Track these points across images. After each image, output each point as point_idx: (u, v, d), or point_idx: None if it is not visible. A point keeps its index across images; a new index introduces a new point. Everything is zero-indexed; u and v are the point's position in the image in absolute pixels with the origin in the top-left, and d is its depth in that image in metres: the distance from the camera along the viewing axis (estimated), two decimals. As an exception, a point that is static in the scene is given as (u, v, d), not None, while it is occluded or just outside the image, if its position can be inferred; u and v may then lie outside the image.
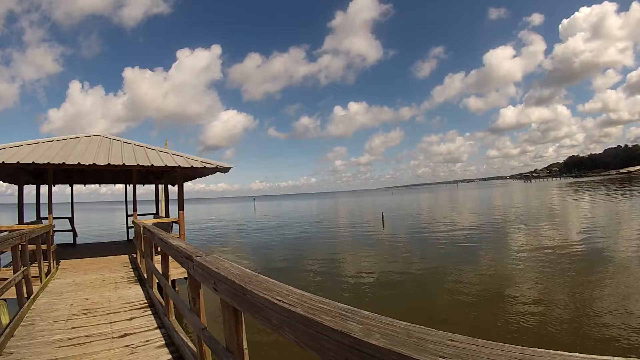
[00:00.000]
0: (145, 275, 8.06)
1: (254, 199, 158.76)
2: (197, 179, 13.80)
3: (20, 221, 11.94)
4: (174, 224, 11.68)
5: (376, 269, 14.50)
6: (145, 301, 6.52)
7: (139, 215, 16.52)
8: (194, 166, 10.41)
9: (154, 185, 17.05)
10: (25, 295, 7.09)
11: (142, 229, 7.12)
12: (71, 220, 15.27)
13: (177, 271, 9.77)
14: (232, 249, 22.25)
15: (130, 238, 15.57)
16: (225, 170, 11.02)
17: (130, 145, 11.78)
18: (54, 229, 14.21)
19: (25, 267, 6.26)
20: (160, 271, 5.66)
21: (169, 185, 15.90)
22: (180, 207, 11.06)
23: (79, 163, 9.03)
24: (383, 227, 29.42)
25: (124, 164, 9.43)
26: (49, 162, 8.76)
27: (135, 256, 10.71)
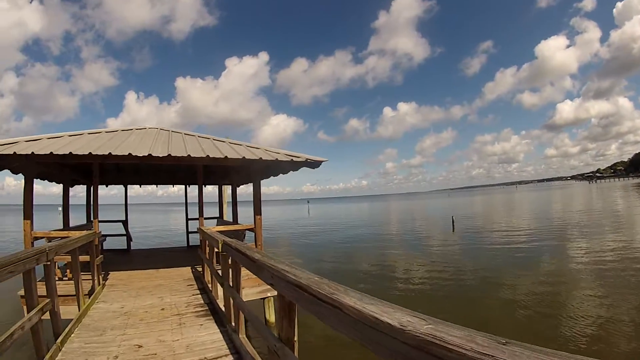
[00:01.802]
0: (219, 304, 5.73)
1: (308, 202, 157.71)
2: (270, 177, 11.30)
3: (65, 227, 10.08)
4: (245, 232, 9.39)
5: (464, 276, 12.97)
6: (229, 354, 4.13)
7: (193, 219, 14.53)
8: (279, 159, 8.00)
9: (207, 186, 14.83)
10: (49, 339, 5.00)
11: (220, 244, 4.78)
12: (125, 223, 13.42)
13: (251, 290, 7.53)
14: (299, 252, 20.68)
15: (190, 244, 13.57)
16: (315, 164, 8.54)
17: (193, 137, 9.61)
18: (103, 235, 12.46)
19: (45, 303, 4.03)
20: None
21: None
22: (257, 212, 8.72)
23: (130, 154, 6.84)
24: (453, 230, 27.19)
25: (189, 155, 7.15)
26: (90, 153, 6.64)
27: (200, 270, 8.52)
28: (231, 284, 4.56)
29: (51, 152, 6.43)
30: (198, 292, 6.94)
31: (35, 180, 10.17)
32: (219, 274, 5.36)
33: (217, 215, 14.55)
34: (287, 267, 2.46)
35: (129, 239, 13.24)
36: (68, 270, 8.08)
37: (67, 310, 5.76)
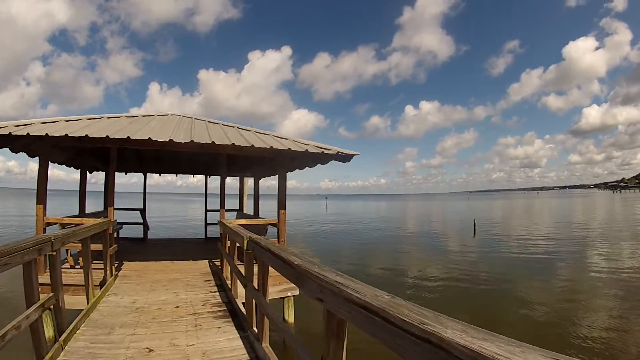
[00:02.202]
0: (239, 305, 5.26)
1: (326, 198, 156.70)
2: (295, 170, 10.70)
3: (81, 213, 9.74)
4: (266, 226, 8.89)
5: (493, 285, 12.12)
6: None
7: (212, 210, 14.06)
8: (309, 151, 7.45)
9: (227, 178, 14.30)
10: (52, 336, 4.59)
11: (246, 241, 4.25)
12: (142, 212, 13.12)
13: (271, 289, 7.03)
14: (316, 249, 19.97)
15: (208, 236, 13.16)
16: (346, 158, 7.96)
17: (217, 125, 9.13)
18: (120, 223, 12.10)
19: (46, 299, 3.56)
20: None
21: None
22: (282, 206, 8.19)
23: (149, 139, 6.36)
24: (474, 235, 26.34)
25: (213, 142, 6.64)
26: (107, 137, 6.19)
27: (218, 265, 8.07)
28: (256, 286, 4.05)
29: (66, 135, 6.02)
30: (216, 289, 6.46)
31: (55, 165, 9.91)
32: (241, 272, 4.85)
33: (237, 208, 14.12)
34: (341, 277, 1.91)
35: (146, 228, 12.91)
36: (81, 259, 7.73)
37: (77, 301, 5.37)
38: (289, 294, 7.41)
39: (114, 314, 5.03)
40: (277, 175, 8.51)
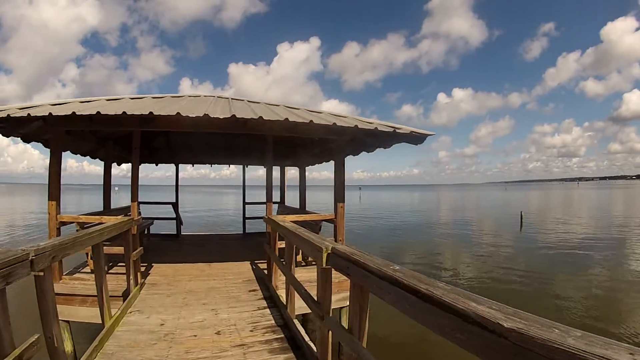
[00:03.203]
0: (302, 332, 3.91)
1: (360, 189, 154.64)
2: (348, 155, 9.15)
3: (106, 209, 8.61)
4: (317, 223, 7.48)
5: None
6: None
7: (251, 203, 12.76)
8: (379, 129, 5.88)
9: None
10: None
11: (325, 254, 2.87)
12: (175, 206, 12.00)
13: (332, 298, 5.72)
14: (351, 239, 17.97)
15: (247, 231, 11.94)
16: (419, 138, 6.37)
17: (260, 104, 7.69)
18: (151, 218, 10.98)
19: (26, 346, 2.25)
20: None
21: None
22: (340, 198, 6.76)
23: (178, 115, 4.94)
24: (521, 229, 24.28)
25: (260, 117, 5.17)
26: (124, 113, 4.84)
27: (262, 268, 6.83)
28: (344, 324, 2.67)
29: (73, 113, 4.74)
30: (264, 302, 5.13)
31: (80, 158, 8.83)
32: (311, 297, 3.46)
33: (278, 200, 12.83)
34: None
35: (179, 223, 11.78)
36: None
37: (97, 314, 4.18)
38: (347, 302, 6.10)
39: (136, 343, 3.76)
40: (334, 162, 7.09)
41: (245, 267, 7.25)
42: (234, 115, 5.00)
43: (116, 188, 12.11)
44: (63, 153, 8.75)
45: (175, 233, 11.61)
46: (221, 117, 4.95)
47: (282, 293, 5.39)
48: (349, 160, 10.27)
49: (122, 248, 5.40)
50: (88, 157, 9.63)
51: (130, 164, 11.79)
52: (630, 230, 23.60)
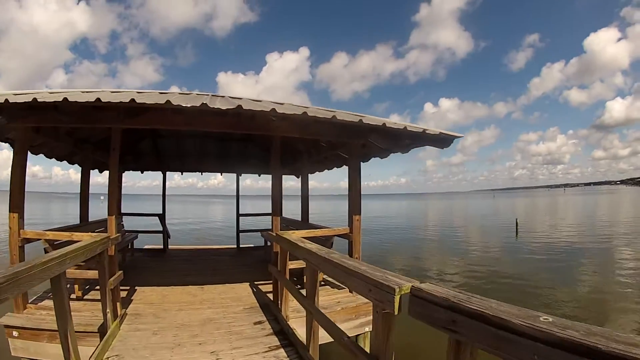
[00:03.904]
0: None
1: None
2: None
3: (82, 222, 7.51)
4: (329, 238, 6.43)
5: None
6: None
7: (246, 215, 11.77)
8: (408, 129, 4.86)
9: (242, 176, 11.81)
10: None
11: (398, 297, 1.89)
12: (162, 218, 10.84)
13: (346, 325, 4.81)
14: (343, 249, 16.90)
15: (241, 245, 10.85)
16: (446, 141, 5.42)
17: (263, 102, 6.65)
18: (134, 231, 9.90)
19: None
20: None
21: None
22: (355, 210, 5.78)
23: (168, 103, 3.88)
24: (516, 237, 23.50)
25: (273, 110, 4.13)
26: (98, 100, 3.78)
27: (265, 291, 5.83)
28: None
29: (34, 99, 3.70)
30: (276, 339, 4.11)
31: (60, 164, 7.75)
32: (361, 349, 2.47)
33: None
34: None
35: (166, 236, 10.67)
36: (76, 287, 5.52)
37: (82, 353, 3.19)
38: (367, 329, 5.31)
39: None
40: (348, 168, 6.12)
41: (244, 290, 6.21)
42: (239, 106, 4.00)
43: (102, 197, 10.99)
44: (48, 159, 7.78)
45: (162, 247, 10.50)
46: (223, 107, 3.94)
47: (295, 323, 4.41)
48: (335, 170, 9.34)
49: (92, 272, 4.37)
50: (65, 162, 8.53)
51: (102, 170, 10.73)
52: (631, 233, 22.99)
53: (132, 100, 3.73)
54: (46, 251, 5.08)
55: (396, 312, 1.98)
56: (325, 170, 9.82)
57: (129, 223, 10.06)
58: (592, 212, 48.56)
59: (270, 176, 12.49)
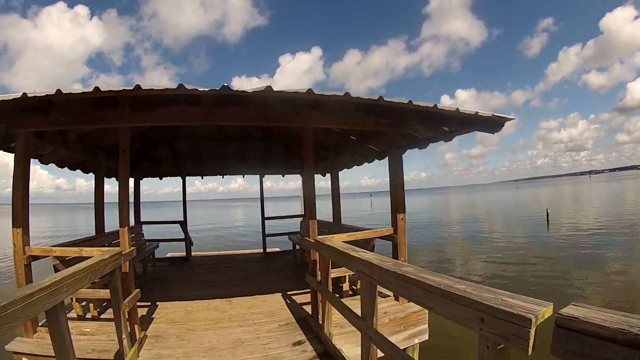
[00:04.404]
0: None
1: (371, 195, 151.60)
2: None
3: (98, 233, 7.01)
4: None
5: None
6: None
7: (273, 218, 11.07)
8: (460, 110, 4.15)
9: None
10: None
11: (535, 324, 1.21)
12: (184, 225, 10.28)
13: (396, 337, 4.15)
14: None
15: (268, 250, 10.26)
16: (498, 124, 4.70)
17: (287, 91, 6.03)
18: (155, 240, 9.44)
19: None
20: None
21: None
22: (400, 208, 5.09)
23: (181, 88, 3.18)
24: (548, 227, 22.23)
25: (309, 91, 3.44)
26: (97, 90, 3.13)
27: (300, 303, 5.21)
28: None
29: (24, 95, 3.14)
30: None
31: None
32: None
33: (301, 213, 11.15)
34: None
35: (189, 244, 10.15)
36: (92, 305, 4.98)
37: None
38: (416, 340, 4.79)
39: None
40: (388, 161, 5.44)
41: (277, 302, 5.59)
42: (269, 88, 3.34)
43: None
44: (61, 169, 7.32)
45: (185, 255, 9.99)
46: (249, 90, 3.30)
47: (339, 341, 3.78)
48: (356, 168, 8.65)
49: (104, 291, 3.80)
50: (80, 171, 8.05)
51: (146, 179, 10.29)
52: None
53: (138, 87, 3.12)
54: (56, 269, 4.57)
55: (530, 352, 1.32)
56: (354, 167, 9.13)
57: (150, 231, 9.61)
58: (624, 198, 46.41)
59: (292, 177, 11.97)
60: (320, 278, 4.09)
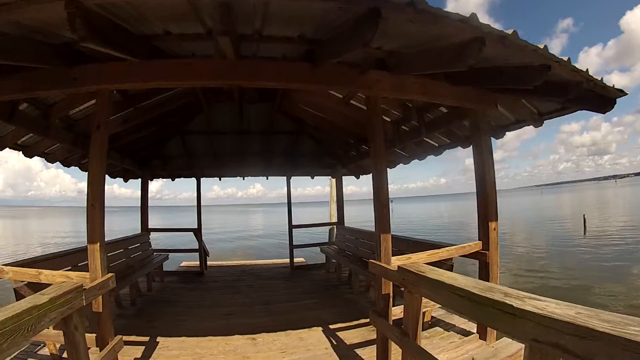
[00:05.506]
0: None
1: (392, 201, 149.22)
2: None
3: (93, 240, 5.68)
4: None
5: None
6: None
7: (302, 226, 9.66)
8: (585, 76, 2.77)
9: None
10: None
11: None
12: (197, 233, 8.76)
13: None
14: None
15: (296, 265, 8.81)
16: (610, 100, 3.32)
17: None
18: (165, 250, 8.15)
19: None
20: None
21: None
22: (491, 215, 3.66)
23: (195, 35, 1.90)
24: (584, 232, 20.68)
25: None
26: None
27: (348, 343, 3.77)
28: None
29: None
30: None
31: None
32: None
33: (331, 220, 9.72)
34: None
35: (204, 255, 8.77)
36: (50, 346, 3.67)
37: None
38: None
39: None
40: (472, 151, 3.99)
41: (317, 341, 4.10)
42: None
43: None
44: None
45: (199, 268, 8.60)
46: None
47: None
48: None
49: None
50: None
51: (160, 180, 9.00)
52: None
53: None
54: (18, 293, 3.27)
55: None
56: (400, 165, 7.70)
57: (164, 241, 8.32)
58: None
59: (322, 179, 10.55)
60: (406, 327, 2.59)
